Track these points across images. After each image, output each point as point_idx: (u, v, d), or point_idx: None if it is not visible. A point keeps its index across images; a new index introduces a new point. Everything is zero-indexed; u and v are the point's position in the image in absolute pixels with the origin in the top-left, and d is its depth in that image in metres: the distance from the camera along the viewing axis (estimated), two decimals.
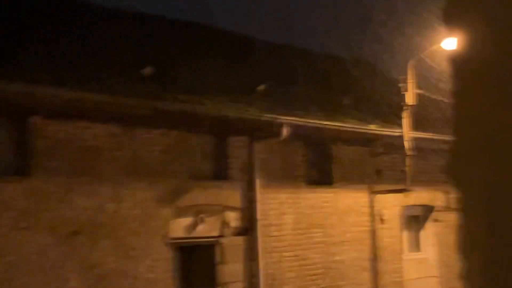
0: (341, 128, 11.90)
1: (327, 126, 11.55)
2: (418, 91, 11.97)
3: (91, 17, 11.42)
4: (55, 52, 9.65)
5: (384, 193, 13.41)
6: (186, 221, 10.64)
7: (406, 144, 12.22)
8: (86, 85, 9.33)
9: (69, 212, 9.24)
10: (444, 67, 11.96)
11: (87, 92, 9.09)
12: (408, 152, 12.17)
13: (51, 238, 9.02)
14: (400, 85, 11.78)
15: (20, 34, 10.02)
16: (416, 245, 15.10)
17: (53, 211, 9.04)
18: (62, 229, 9.13)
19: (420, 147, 13.13)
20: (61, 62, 9.55)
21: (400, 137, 12.55)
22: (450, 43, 10.91)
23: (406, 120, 12.02)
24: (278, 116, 10.89)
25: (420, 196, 14.27)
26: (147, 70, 10.29)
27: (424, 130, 13.20)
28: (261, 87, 11.55)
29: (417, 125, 12.63)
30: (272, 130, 11.08)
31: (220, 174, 11.17)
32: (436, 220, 14.94)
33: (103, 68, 9.97)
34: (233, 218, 11.14)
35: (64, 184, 9.17)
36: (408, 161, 12.25)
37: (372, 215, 13.56)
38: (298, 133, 11.34)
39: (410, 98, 11.69)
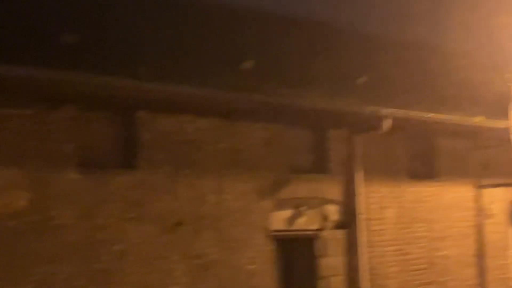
0: (445, 121, 11.64)
1: (430, 119, 11.27)
2: None
3: (191, 12, 11.63)
4: (157, 48, 9.85)
5: (491, 187, 13.02)
6: (286, 213, 10.62)
7: None
8: (189, 80, 9.52)
9: (173, 203, 9.40)
10: None
11: (190, 87, 9.31)
12: None
13: (156, 228, 9.25)
14: (507, 75, 11.27)
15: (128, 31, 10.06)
16: None
17: (158, 202, 9.23)
18: (166, 219, 9.33)
19: None
20: (163, 58, 9.71)
21: (507, 129, 11.86)
22: None
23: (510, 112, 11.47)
24: (379, 109, 10.72)
25: None
26: (247, 64, 10.38)
27: None
28: (362, 79, 11.50)
29: None
30: (373, 123, 10.93)
31: (320, 168, 11.12)
32: None
33: (204, 62, 10.19)
34: (333, 212, 11.06)
35: (169, 176, 9.32)
36: None
37: (477, 209, 13.30)
38: (400, 125, 11.18)
39: None
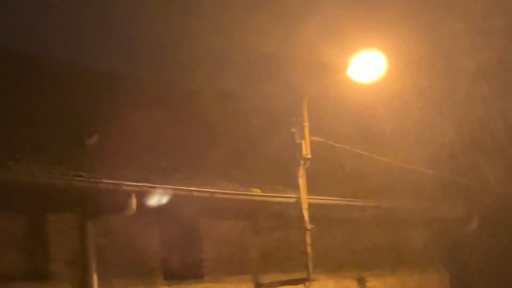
0: (213, 195, 8.94)
1: (193, 193, 8.63)
2: (317, 138, 9.00)
3: None
4: None
5: (276, 286, 10.03)
6: None
7: (305, 214, 9.18)
8: None
9: None
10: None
11: None
12: (308, 226, 9.05)
13: None
14: (293, 130, 8.76)
15: None
16: None
17: None
18: None
19: (323, 216, 10.02)
20: None
21: (296, 204, 9.48)
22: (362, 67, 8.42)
23: (303, 180, 9.03)
24: (121, 182, 8.08)
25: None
26: None
27: (326, 192, 10.37)
28: (94, 139, 8.97)
29: (316, 186, 9.81)
30: (113, 203, 8.15)
31: (39, 270, 8.37)
32: None
33: None
34: None
35: None
36: (308, 238, 9.13)
37: None
38: (153, 205, 8.47)
39: (306, 148, 8.64)
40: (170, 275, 9.26)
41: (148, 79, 12.50)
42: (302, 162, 8.96)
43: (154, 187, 8.31)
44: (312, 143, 9.12)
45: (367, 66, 8.80)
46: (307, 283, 9.63)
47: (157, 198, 8.40)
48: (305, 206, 9.30)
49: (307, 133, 8.94)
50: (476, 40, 11.33)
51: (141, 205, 8.25)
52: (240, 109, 11.69)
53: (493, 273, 14.54)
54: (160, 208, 8.65)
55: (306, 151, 8.91)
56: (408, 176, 12.98)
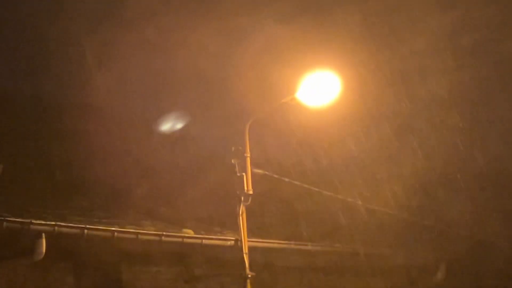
0: (137, 236, 7.63)
1: (113, 234, 7.33)
2: (258, 170, 7.88)
3: None
4: None
5: None
6: None
7: (246, 259, 7.99)
8: None
9: None
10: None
11: None
12: (249, 273, 7.87)
13: None
14: (233, 161, 7.66)
15: None
16: None
17: None
18: None
19: (265, 262, 8.82)
20: None
21: (235, 248, 8.33)
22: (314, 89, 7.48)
23: (243, 220, 7.87)
24: (29, 220, 6.92)
25: None
26: None
27: (266, 235, 9.19)
28: None
29: (255, 227, 8.65)
30: (20, 245, 7.02)
31: None
32: None
33: None
34: None
35: None
36: (249, 287, 7.94)
37: None
38: (64, 247, 7.26)
39: (248, 182, 7.51)
40: None
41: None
42: (242, 198, 7.85)
43: (68, 227, 7.04)
44: (254, 176, 8.04)
45: (319, 88, 7.89)
46: None
47: (70, 240, 7.19)
48: (245, 250, 8.08)
49: (248, 165, 7.89)
50: (441, 61, 10.57)
51: (52, 248, 6.99)
52: (172, 137, 10.43)
53: None
54: (74, 252, 7.37)
55: (247, 186, 7.82)
56: (366, 216, 11.99)
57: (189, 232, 8.20)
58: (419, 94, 11.85)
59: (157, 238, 7.83)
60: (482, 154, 14.21)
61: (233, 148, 8.12)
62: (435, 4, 10.88)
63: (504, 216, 15.48)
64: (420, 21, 10.64)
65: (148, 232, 7.73)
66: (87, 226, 7.15)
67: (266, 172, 8.31)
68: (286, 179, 9.23)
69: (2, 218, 6.86)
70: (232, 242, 8.44)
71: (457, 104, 12.41)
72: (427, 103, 11.70)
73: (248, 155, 8.13)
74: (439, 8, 10.90)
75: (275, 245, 9.35)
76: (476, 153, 14.32)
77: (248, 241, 8.26)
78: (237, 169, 7.96)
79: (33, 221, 6.87)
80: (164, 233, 7.87)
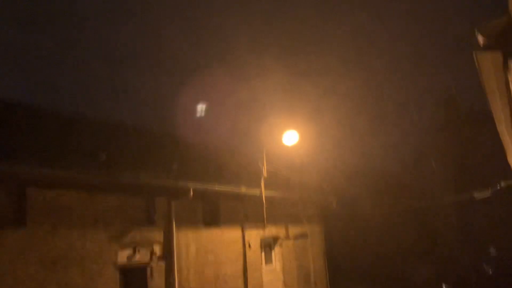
0: (224, 190, 15.44)
1: (216, 189, 15.06)
2: (269, 167, 16.83)
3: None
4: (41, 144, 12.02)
5: (250, 229, 17.11)
6: (128, 252, 12.48)
7: (263, 200, 16.58)
8: (64, 167, 11.03)
9: (52, 248, 10.90)
10: (285, 153, 16.94)
11: (66, 171, 11.06)
12: (264, 204, 16.65)
13: (37, 265, 10.57)
14: (259, 163, 16.74)
15: None
16: (269, 260, 18.72)
17: (41, 247, 10.82)
18: (47, 258, 10.80)
19: (271, 201, 17.37)
20: (45, 151, 11.57)
21: (260, 195, 16.61)
22: (288, 138, 16.12)
23: (262, 185, 16.66)
24: (187, 183, 13.65)
25: (271, 230, 18.19)
26: (103, 156, 12.75)
27: (274, 190, 17.51)
28: (175, 165, 15.02)
29: (269, 187, 17.09)
30: (183, 193, 13.55)
31: (149, 221, 13.36)
32: (280, 245, 18.82)
33: (74, 155, 11.95)
34: (157, 249, 13.28)
35: (49, 230, 11.07)
36: (264, 209, 16.73)
37: (243, 243, 16.91)
38: (199, 194, 14.22)
39: (264, 172, 16.62)
40: (206, 224, 15.49)
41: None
42: (262, 177, 16.49)
43: (200, 186, 14.62)
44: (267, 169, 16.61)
45: (290, 137, 16.22)
46: (263, 228, 17.11)
47: (201, 191, 14.50)
48: (263, 195, 16.60)
49: (264, 166, 16.49)
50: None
51: (193, 194, 13.89)
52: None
53: None
54: (202, 195, 14.99)
55: (264, 172, 16.55)
56: None
57: (243, 189, 16.53)
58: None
59: (231, 190, 15.76)
60: None
61: (259, 163, 16.61)
62: None
63: None
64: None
65: (229, 188, 15.73)
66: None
67: (273, 169, 16.95)
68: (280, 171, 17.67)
69: (175, 182, 14.19)
70: (259, 192, 16.73)
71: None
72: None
73: (264, 163, 16.51)
74: None
75: (274, 194, 17.29)
76: None
77: (265, 192, 16.59)
78: (262, 166, 16.64)
79: (188, 183, 14.27)
80: (233, 189, 15.89)
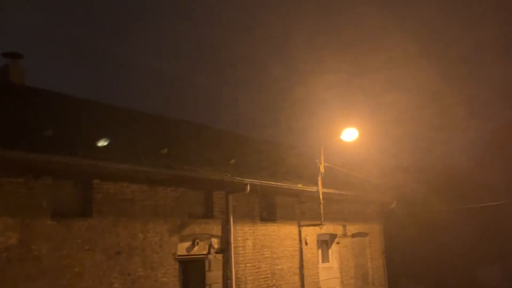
0: (281, 186, 15.92)
1: (272, 185, 15.56)
2: (327, 164, 16.85)
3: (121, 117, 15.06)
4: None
5: (307, 226, 17.28)
6: (187, 244, 12.95)
7: (320, 196, 16.58)
8: (126, 160, 11.90)
9: (115, 239, 11.42)
10: (343, 150, 17.02)
11: (128, 165, 11.80)
12: (321, 201, 16.58)
13: (103, 255, 11.02)
14: (316, 160, 16.74)
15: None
16: (326, 258, 18.92)
17: (105, 239, 11.29)
18: (110, 250, 11.26)
19: (328, 198, 17.40)
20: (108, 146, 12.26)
21: (316, 192, 16.68)
22: (347, 135, 16.11)
23: (320, 181, 16.76)
24: (244, 179, 14.20)
25: (328, 228, 18.18)
26: (164, 151, 13.34)
27: (331, 187, 17.64)
28: (232, 161, 15.46)
29: (326, 184, 17.16)
30: (240, 187, 14.04)
31: (208, 214, 13.91)
32: (337, 243, 18.75)
33: (134, 151, 12.69)
34: (215, 242, 13.88)
35: (112, 222, 11.53)
36: (321, 206, 16.57)
37: (299, 240, 17.12)
38: (255, 189, 14.71)
39: (322, 168, 16.67)
40: (262, 219, 15.96)
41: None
42: (319, 174, 16.54)
43: (256, 182, 14.84)
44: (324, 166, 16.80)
45: (349, 134, 16.20)
46: (320, 225, 16.56)
47: (257, 187, 14.94)
48: (320, 192, 16.50)
49: (322, 162, 16.62)
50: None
51: (250, 189, 14.58)
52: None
53: None
54: (258, 190, 15.20)
55: (321, 169, 16.59)
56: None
57: (300, 186, 16.75)
58: None
59: (288, 187, 15.90)
60: None
61: (316, 160, 16.59)
62: None
63: None
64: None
65: (285, 184, 15.99)
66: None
67: (330, 165, 17.05)
68: (340, 169, 17.66)
69: (233, 178, 13.95)
70: (316, 189, 16.85)
71: None
72: None
73: (322, 160, 16.55)
74: None
75: (331, 191, 17.29)
76: None
77: (321, 189, 16.64)
78: (319, 163, 16.65)
79: (245, 179, 14.38)
80: (290, 185, 16.09)
